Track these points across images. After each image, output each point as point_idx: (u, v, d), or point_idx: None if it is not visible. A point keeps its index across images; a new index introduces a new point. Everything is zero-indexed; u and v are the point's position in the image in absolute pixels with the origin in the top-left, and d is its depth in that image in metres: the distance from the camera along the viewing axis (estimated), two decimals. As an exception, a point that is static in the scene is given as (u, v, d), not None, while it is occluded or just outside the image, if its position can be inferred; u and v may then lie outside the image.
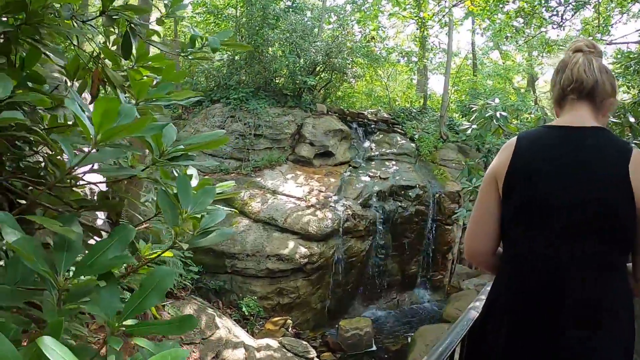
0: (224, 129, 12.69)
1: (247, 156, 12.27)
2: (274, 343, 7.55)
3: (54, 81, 2.64)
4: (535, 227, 1.91)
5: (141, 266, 1.85)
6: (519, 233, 1.97)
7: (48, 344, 0.97)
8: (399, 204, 11.89)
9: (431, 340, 9.38)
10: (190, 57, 2.56)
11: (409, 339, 10.22)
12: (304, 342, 7.81)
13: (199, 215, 1.74)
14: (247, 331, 9.08)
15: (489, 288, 4.03)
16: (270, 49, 14.17)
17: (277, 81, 14.56)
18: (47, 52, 2.08)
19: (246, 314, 9.41)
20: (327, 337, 10.20)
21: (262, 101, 13.13)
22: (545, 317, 1.86)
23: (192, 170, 2.34)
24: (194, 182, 2.29)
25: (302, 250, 9.77)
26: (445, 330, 9.64)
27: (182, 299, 7.57)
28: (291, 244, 9.80)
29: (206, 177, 9.27)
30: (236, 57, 14.41)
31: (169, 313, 6.92)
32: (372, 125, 14.70)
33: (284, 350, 7.46)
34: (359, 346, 10.04)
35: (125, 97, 2.22)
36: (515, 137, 2.08)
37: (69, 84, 2.37)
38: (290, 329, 9.48)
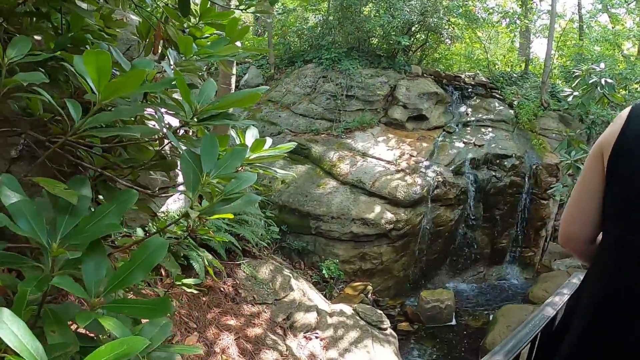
0: (315, 89, 12.57)
1: (339, 117, 12.08)
2: (348, 309, 7.40)
3: (130, 42, 2.74)
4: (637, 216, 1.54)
5: (142, 240, 1.72)
6: (618, 221, 1.63)
7: (4, 317, 0.94)
8: (493, 173, 11.40)
9: (513, 321, 9.03)
10: (249, 10, 2.47)
11: (491, 317, 9.93)
12: (379, 311, 7.58)
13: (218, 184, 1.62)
14: (325, 294, 9.01)
15: (575, 280, 3.64)
16: (363, 8, 13.79)
17: (370, 42, 14.15)
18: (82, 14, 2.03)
19: (326, 276, 9.36)
20: (406, 307, 10.03)
21: (355, 62, 12.84)
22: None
23: (252, 131, 2.19)
24: (249, 140, 2.15)
25: (388, 215, 9.56)
26: (529, 312, 9.31)
27: (260, 258, 7.53)
28: (377, 209, 9.60)
29: (296, 136, 9.22)
30: (330, 18, 14.17)
31: (244, 272, 6.91)
32: (469, 90, 13.99)
33: (357, 317, 7.30)
34: (438, 319, 9.80)
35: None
36: (630, 106, 1.67)
37: (141, 44, 2.40)
38: (369, 295, 9.34)
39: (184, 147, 1.73)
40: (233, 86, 7.09)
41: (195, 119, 1.73)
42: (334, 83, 12.36)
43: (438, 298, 9.80)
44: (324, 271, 9.36)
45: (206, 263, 6.39)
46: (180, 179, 6.40)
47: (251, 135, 2.15)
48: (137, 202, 1.46)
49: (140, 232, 4.11)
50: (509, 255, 12.16)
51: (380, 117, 12.32)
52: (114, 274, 1.27)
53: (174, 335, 5.56)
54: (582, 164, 6.89)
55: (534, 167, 11.64)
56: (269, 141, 2.15)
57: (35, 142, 1.99)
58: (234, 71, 7.42)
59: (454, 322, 10.02)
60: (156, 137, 2.09)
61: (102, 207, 1.41)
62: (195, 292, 4.21)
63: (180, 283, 4.11)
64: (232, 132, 2.21)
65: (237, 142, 2.16)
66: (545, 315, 2.50)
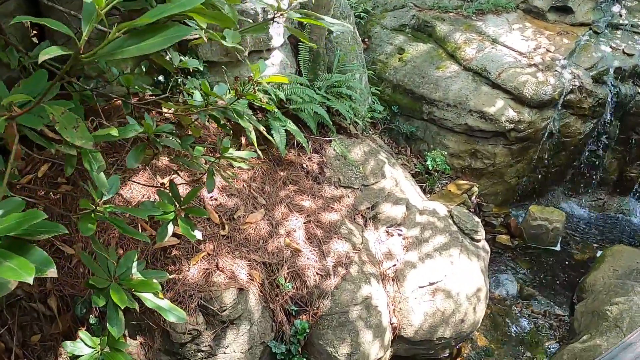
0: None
1: (472, -4, 10.86)
2: (442, 210, 6.64)
3: None
4: None
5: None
6: None
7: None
8: (639, 90, 9.97)
9: (621, 265, 8.04)
10: None
11: (598, 254, 8.96)
12: (476, 219, 6.73)
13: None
14: (425, 188, 8.31)
15: None
16: None
17: None
18: None
19: (430, 168, 8.62)
20: (510, 219, 9.19)
21: None
22: None
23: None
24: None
25: (511, 113, 8.50)
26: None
27: (356, 137, 6.83)
28: (499, 103, 8.56)
29: (420, 12, 8.24)
30: None
31: (334, 150, 6.27)
32: (628, -12, 12.25)
33: (450, 221, 6.51)
34: (542, 240, 8.91)
35: None
36: None
37: None
38: (473, 198, 8.54)
39: None
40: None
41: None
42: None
43: (547, 217, 8.85)
44: (428, 162, 8.61)
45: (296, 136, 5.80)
46: (274, 41, 5.69)
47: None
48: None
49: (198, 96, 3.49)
50: (637, 189, 10.89)
51: (518, 2, 10.86)
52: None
53: (237, 209, 5.06)
54: None
55: (691, 92, 10.09)
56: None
57: None
58: None
59: (558, 248, 9.11)
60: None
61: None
62: (245, 167, 3.58)
63: (228, 155, 3.46)
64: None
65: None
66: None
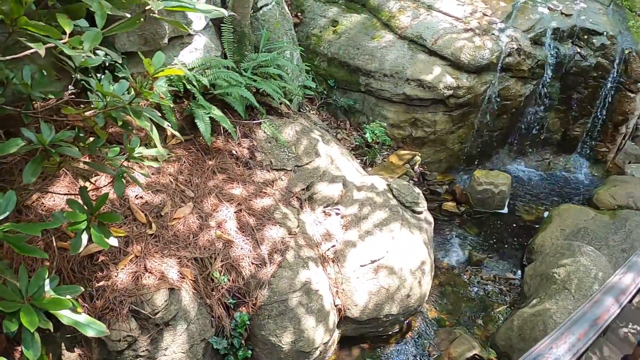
0: None
1: (406, -39, 10.70)
2: (380, 184, 6.57)
3: None
4: None
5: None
6: None
7: None
8: (578, 50, 9.96)
9: (568, 224, 8.17)
10: None
11: (546, 214, 9.07)
12: (416, 190, 6.70)
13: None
14: (366, 161, 8.23)
15: None
16: None
17: None
18: None
19: (369, 141, 8.51)
20: (455, 185, 9.20)
21: None
22: None
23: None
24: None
25: (449, 79, 8.44)
26: (590, 217, 8.33)
27: (287, 117, 6.67)
28: (437, 70, 8.49)
29: None
30: None
31: (265, 132, 6.10)
32: (566, -54, 12.24)
33: (390, 195, 6.45)
34: (488, 204, 8.98)
35: None
36: None
37: None
38: (416, 167, 8.52)
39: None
40: None
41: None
42: None
43: (492, 181, 8.90)
44: (367, 134, 8.51)
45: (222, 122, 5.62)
46: (195, 25, 5.45)
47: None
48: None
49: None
50: (580, 147, 11.04)
51: (455, -34, 10.86)
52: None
53: (164, 205, 4.90)
54: None
55: (627, 52, 10.14)
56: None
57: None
58: None
59: (505, 210, 9.20)
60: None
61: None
62: (155, 165, 3.45)
63: (137, 156, 3.33)
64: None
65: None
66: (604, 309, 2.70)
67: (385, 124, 8.78)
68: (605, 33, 9.96)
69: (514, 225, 8.98)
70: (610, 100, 10.47)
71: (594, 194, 9.48)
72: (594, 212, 8.58)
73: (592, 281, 6.29)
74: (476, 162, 10.07)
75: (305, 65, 8.29)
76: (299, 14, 10.20)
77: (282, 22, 7.43)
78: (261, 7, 7.08)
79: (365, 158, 8.34)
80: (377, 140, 8.56)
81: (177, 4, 2.52)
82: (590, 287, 6.18)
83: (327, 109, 9.20)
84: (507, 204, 9.21)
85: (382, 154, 8.57)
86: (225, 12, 2.76)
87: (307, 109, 8.58)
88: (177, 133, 3.99)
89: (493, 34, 9.00)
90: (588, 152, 11.13)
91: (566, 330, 3.56)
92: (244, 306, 4.98)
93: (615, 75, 10.19)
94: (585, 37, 9.96)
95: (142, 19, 2.59)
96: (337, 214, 6.08)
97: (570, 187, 10.60)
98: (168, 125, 3.52)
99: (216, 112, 5.59)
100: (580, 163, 11.16)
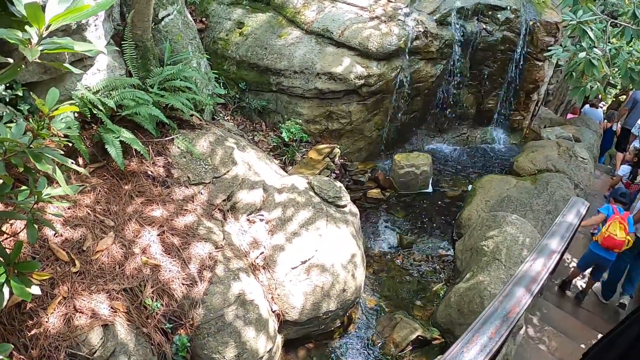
0: None
1: (307, -45, 10.74)
2: (301, 183, 6.65)
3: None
4: None
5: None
6: None
7: None
8: (484, 26, 10.30)
9: (492, 195, 8.49)
10: None
11: (469, 187, 9.38)
12: (337, 185, 6.83)
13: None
14: (285, 160, 8.29)
15: (551, 244, 3.93)
16: None
17: None
18: None
19: (286, 140, 8.56)
20: (378, 172, 9.38)
21: None
22: None
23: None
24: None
25: (359, 69, 8.59)
26: (512, 185, 8.66)
27: (200, 128, 6.65)
28: (346, 62, 8.62)
29: None
30: None
31: (179, 147, 6.06)
32: None
33: (312, 193, 6.55)
34: (412, 186, 9.22)
35: None
36: None
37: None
38: (337, 159, 8.64)
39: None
40: None
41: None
42: None
43: (413, 163, 9.14)
44: (284, 134, 8.56)
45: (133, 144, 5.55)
46: (95, 45, 5.32)
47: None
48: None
49: None
50: (496, 118, 11.44)
51: (356, -46, 10.98)
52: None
53: (85, 239, 4.84)
54: (590, 27, 6.03)
55: (531, 23, 10.55)
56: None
57: None
58: None
59: (430, 190, 9.47)
60: None
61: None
62: (67, 204, 3.43)
63: (46, 199, 3.32)
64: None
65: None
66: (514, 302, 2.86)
67: (300, 121, 8.85)
68: (508, 7, 10.33)
69: (440, 202, 9.25)
70: (520, 70, 10.86)
71: (514, 161, 9.84)
72: (515, 179, 8.94)
73: (520, 248, 6.59)
74: (396, 146, 10.28)
75: (215, 70, 8.27)
76: (204, 19, 10.11)
77: (185, 32, 7.34)
78: (162, 19, 6.96)
79: (284, 157, 8.40)
80: (295, 138, 8.63)
81: (55, 46, 2.51)
82: (519, 255, 6.47)
83: (242, 112, 9.19)
84: (430, 183, 9.49)
85: (301, 151, 8.64)
86: (104, 50, 2.77)
87: (222, 115, 8.55)
88: (81, 169, 3.94)
89: (399, 20, 9.18)
90: (504, 122, 11.55)
91: (476, 331, 3.61)
92: (182, 328, 4.98)
93: (522, 46, 10.58)
94: (490, 13, 10.30)
95: (22, 66, 2.58)
96: (262, 220, 6.13)
97: (491, 158, 10.98)
98: (72, 163, 3.49)
99: (126, 135, 5.51)
100: (498, 133, 11.56)
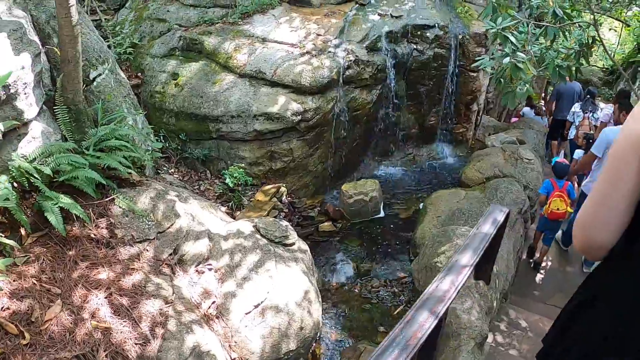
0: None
1: (234, 2, 10.98)
2: (246, 227, 6.79)
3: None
4: None
5: None
6: None
7: None
8: (415, 46, 10.70)
9: (443, 210, 8.70)
10: None
11: (421, 205, 9.58)
12: (283, 224, 6.97)
13: None
14: (232, 206, 8.42)
15: (462, 259, 3.55)
16: None
17: None
18: None
19: (231, 186, 8.70)
20: (327, 205, 9.56)
21: None
22: None
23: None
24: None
25: (295, 106, 8.83)
26: (461, 198, 8.94)
27: (141, 184, 6.75)
28: (281, 100, 8.85)
29: (186, 31, 8.26)
30: None
31: (120, 207, 6.15)
32: (386, -44, 12.97)
33: (258, 236, 6.69)
34: (364, 213, 9.42)
35: None
36: None
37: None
38: (284, 198, 8.80)
39: None
40: (74, 15, 5.97)
41: None
42: (226, -40, 11.20)
43: (361, 191, 9.36)
44: (227, 180, 8.70)
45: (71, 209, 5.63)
46: (27, 114, 5.42)
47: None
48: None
49: None
50: (440, 133, 11.78)
51: (283, -5, 11.32)
52: None
53: (32, 310, 4.91)
54: (511, 32, 6.36)
55: (460, 37, 10.99)
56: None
57: None
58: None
59: (382, 214, 9.68)
60: None
61: None
62: (3, 278, 3.54)
63: None
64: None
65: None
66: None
67: (244, 164, 9.03)
68: (436, 25, 10.76)
69: (393, 226, 9.46)
70: (455, 84, 11.26)
71: (461, 174, 10.10)
72: (464, 191, 9.19)
73: (473, 259, 6.78)
74: (344, 176, 10.53)
75: (155, 124, 8.42)
76: (139, 74, 10.27)
77: (118, 89, 7.46)
78: (94, 79, 7.08)
79: (231, 203, 8.52)
80: (239, 183, 8.78)
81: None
82: (472, 266, 6.67)
83: (186, 163, 9.33)
84: (382, 207, 9.71)
85: (247, 194, 8.78)
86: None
87: (166, 168, 8.68)
88: (12, 242, 4.06)
89: (329, 52, 9.50)
90: (448, 136, 11.91)
91: (373, 363, 3.61)
92: (139, 388, 5.06)
93: (454, 60, 10.99)
94: (419, 33, 10.72)
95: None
96: (210, 269, 6.23)
97: (440, 173, 11.30)
98: (1, 236, 3.61)
99: (65, 200, 5.59)
100: (444, 149, 11.89)
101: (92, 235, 5.84)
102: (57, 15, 5.88)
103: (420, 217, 9.02)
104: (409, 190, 10.57)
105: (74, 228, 5.79)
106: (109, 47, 10.17)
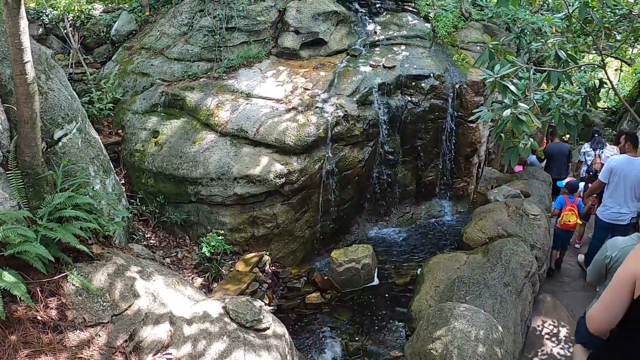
0: (192, 27, 11.00)
1: (220, 55, 10.57)
2: (214, 310, 6.15)
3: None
4: None
5: None
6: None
7: None
8: (409, 98, 10.21)
9: (441, 279, 8.00)
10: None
11: (418, 271, 8.86)
12: (257, 305, 6.28)
13: None
14: (209, 276, 7.71)
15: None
16: None
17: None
18: None
19: (208, 254, 8.02)
20: (314, 274, 8.78)
21: (233, -13, 11.21)
22: None
23: None
24: None
25: (278, 167, 8.32)
26: (462, 263, 8.22)
27: (99, 259, 6.06)
28: (264, 161, 8.34)
29: (169, 86, 7.67)
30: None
31: (73, 284, 5.49)
32: (378, 5, 12.52)
33: (227, 319, 6.01)
34: (356, 282, 8.70)
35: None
36: None
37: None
38: (267, 267, 8.15)
39: None
40: (30, 72, 5.46)
41: None
42: (211, 16, 10.75)
43: (352, 258, 8.65)
44: (204, 249, 8.07)
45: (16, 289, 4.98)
46: None
47: None
48: None
49: None
50: (439, 189, 11.15)
51: (270, 48, 10.91)
52: None
53: None
54: (510, 80, 5.79)
55: (457, 86, 10.49)
56: None
57: None
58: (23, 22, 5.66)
59: (376, 282, 8.98)
60: None
61: None
62: None
63: None
64: None
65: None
66: None
67: (224, 231, 8.48)
68: (431, 75, 10.30)
69: (388, 295, 8.77)
70: (454, 136, 10.66)
71: (462, 233, 9.37)
72: (465, 255, 8.51)
73: (475, 345, 5.97)
74: (335, 240, 9.94)
75: (134, 184, 7.79)
76: (120, 131, 9.83)
77: (86, 151, 7.02)
78: (59, 139, 6.67)
79: (207, 275, 7.94)
80: (217, 251, 8.18)
81: None
82: (474, 353, 5.87)
83: (164, 227, 8.83)
84: (375, 274, 9.03)
85: (227, 263, 8.23)
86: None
87: (142, 233, 8.11)
88: None
89: (317, 107, 9.04)
90: (448, 191, 11.34)
91: None
92: None
93: (452, 111, 10.42)
94: (413, 83, 10.25)
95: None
96: (169, 359, 5.54)
97: (440, 232, 10.60)
98: None
99: (7, 279, 4.98)
100: (443, 205, 11.22)
101: (39, 317, 5.23)
102: (13, 72, 5.45)
103: (417, 287, 8.32)
104: (406, 253, 9.88)
105: (19, 308, 5.20)
106: (90, 102, 9.70)
